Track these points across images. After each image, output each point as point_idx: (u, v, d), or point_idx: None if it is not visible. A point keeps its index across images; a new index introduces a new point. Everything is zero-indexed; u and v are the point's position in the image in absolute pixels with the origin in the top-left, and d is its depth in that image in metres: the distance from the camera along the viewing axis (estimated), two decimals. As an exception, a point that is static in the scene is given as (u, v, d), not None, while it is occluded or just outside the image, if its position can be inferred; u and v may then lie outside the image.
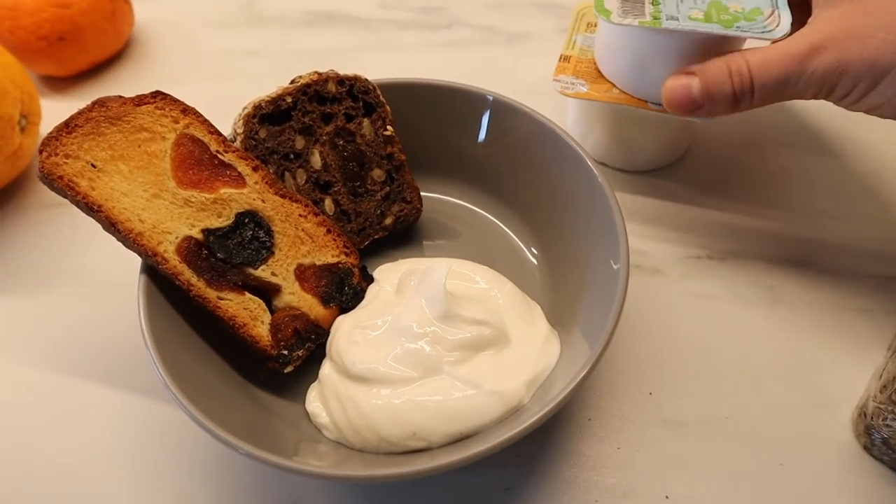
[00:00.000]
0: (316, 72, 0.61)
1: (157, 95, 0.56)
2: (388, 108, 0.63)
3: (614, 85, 0.64)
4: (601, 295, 0.53)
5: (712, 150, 0.75)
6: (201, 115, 0.57)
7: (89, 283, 0.68)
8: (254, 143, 0.59)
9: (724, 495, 0.53)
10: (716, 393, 0.58)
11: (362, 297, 0.59)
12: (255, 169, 0.57)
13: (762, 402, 0.57)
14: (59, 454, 0.57)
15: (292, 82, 0.61)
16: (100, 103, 0.54)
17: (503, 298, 0.57)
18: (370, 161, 0.63)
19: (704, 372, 0.59)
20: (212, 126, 0.57)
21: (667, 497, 0.53)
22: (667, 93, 0.57)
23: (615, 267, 0.53)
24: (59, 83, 0.86)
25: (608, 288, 0.52)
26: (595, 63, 0.67)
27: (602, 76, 0.66)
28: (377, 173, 0.63)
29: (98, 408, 0.60)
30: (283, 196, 0.58)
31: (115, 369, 0.62)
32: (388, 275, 0.59)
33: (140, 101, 0.55)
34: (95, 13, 0.82)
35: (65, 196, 0.53)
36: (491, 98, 0.63)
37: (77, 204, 0.53)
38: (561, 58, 0.68)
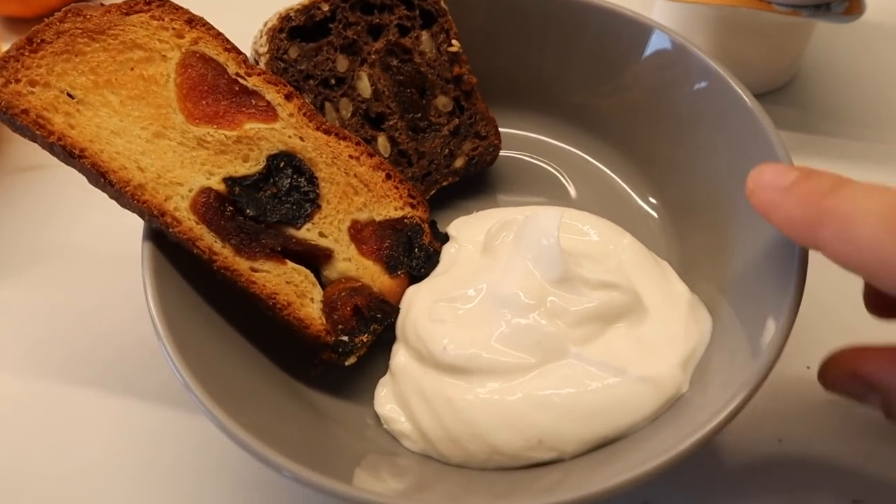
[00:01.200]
0: None
1: (153, 1, 0.42)
2: (450, 17, 0.48)
3: None
4: (759, 253, 0.40)
5: (827, 69, 0.63)
6: (213, 28, 0.43)
7: (75, 260, 0.54)
8: (282, 65, 0.45)
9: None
10: None
11: (437, 261, 0.45)
12: (287, 97, 0.43)
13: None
14: (43, 472, 0.45)
15: None
16: (74, 11, 0.40)
17: (626, 254, 0.43)
18: (433, 86, 0.49)
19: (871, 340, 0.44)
20: (228, 41, 0.43)
21: (854, 502, 0.42)
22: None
23: None
24: (26, 26, 0.69)
25: (771, 244, 0.39)
26: None
27: None
28: (442, 101, 0.49)
29: (94, 416, 0.47)
30: (327, 132, 0.44)
31: (115, 369, 0.48)
32: (468, 230, 0.46)
33: (130, 8, 0.41)
34: (63, -63, 0.68)
35: (32, 138, 0.38)
36: (605, 6, 0.49)
37: (51, 148, 0.38)
38: None
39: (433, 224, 0.48)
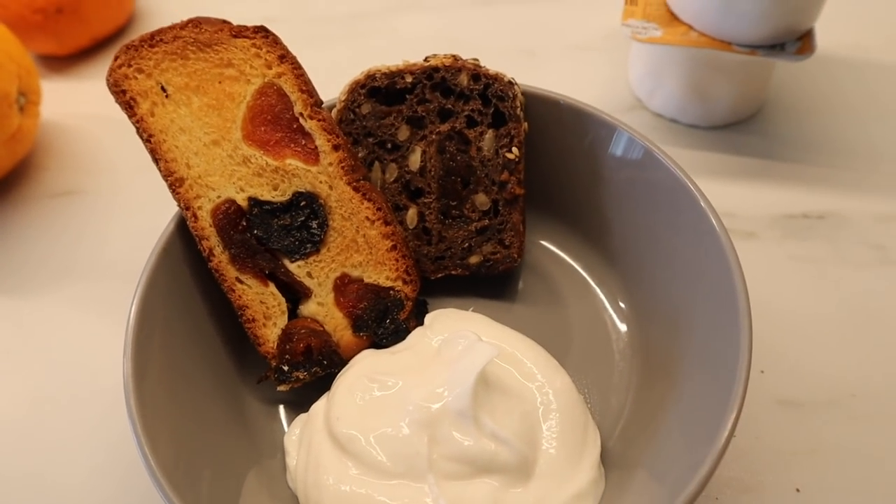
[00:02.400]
0: (453, 55, 0.49)
1: (260, 32, 0.48)
2: (524, 125, 0.50)
3: (691, 27, 0.59)
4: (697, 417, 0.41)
5: (790, 101, 0.68)
6: (300, 68, 0.48)
7: (107, 279, 0.60)
8: (352, 116, 0.50)
9: (864, 485, 0.47)
10: (835, 368, 0.52)
11: (403, 338, 0.48)
12: (335, 148, 0.48)
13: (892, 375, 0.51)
14: (72, 476, 0.51)
15: (425, 60, 0.50)
16: (195, 23, 0.47)
17: (553, 400, 0.43)
18: (478, 182, 0.51)
19: (818, 345, 0.53)
20: (307, 84, 0.48)
21: (798, 490, 0.47)
22: None
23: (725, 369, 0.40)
24: (60, 63, 0.77)
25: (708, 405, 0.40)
26: (666, 4, 0.61)
27: (676, 18, 0.60)
28: (481, 199, 0.51)
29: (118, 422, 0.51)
30: (356, 189, 0.48)
31: None
32: (444, 324, 0.48)
33: (238, 32, 0.48)
34: (97, -19, 0.72)
35: (125, 112, 0.47)
36: (626, 134, 0.49)
37: (134, 125, 0.47)
38: (627, 1, 0.62)
39: (422, 303, 0.51)
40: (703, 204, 0.45)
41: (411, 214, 0.51)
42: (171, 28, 0.47)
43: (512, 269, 0.52)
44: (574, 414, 0.43)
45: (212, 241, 0.46)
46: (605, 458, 0.44)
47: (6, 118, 0.61)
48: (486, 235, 0.51)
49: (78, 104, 0.72)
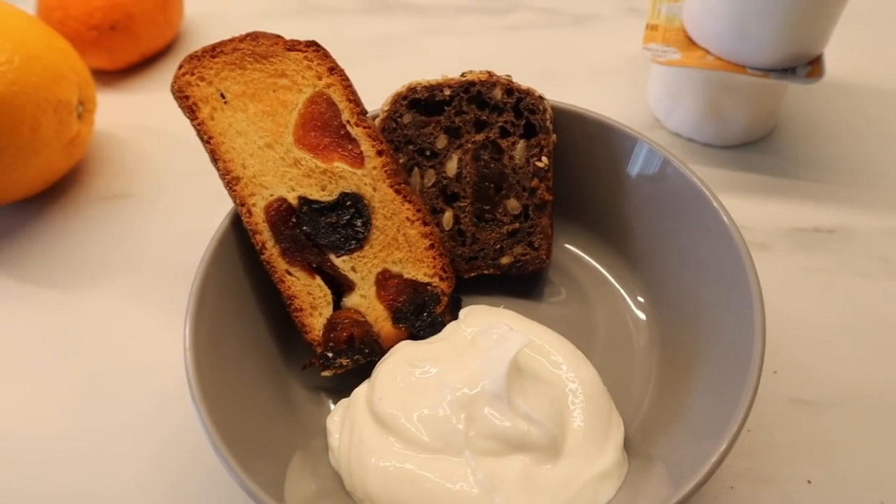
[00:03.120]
0: (488, 71, 0.54)
1: (311, 46, 0.52)
2: (553, 137, 0.54)
3: (708, 51, 0.63)
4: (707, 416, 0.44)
5: (801, 122, 0.72)
6: (347, 80, 0.52)
7: (153, 276, 0.63)
8: (394, 125, 0.53)
9: (871, 477, 0.50)
10: (844, 371, 0.55)
11: (439, 330, 0.51)
12: (379, 153, 0.52)
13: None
14: (126, 467, 0.53)
15: (462, 76, 0.54)
16: (252, 36, 0.52)
17: (579, 387, 0.46)
18: (510, 188, 0.54)
19: (828, 348, 0.57)
20: (354, 94, 0.52)
21: (809, 482, 0.50)
22: None
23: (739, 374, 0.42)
24: (110, 77, 0.81)
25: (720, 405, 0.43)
26: (685, 31, 0.65)
27: (693, 43, 0.64)
28: (512, 204, 0.55)
29: (157, 428, 0.54)
30: (397, 191, 0.52)
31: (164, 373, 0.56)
32: (477, 318, 0.51)
33: (292, 46, 0.52)
34: (147, 2, 0.77)
35: (186, 116, 0.51)
36: (645, 146, 0.53)
37: (195, 128, 0.51)
38: (648, 27, 0.66)
39: (456, 300, 0.54)
40: (717, 207, 0.48)
41: (447, 217, 0.55)
42: (231, 41, 0.51)
43: (541, 269, 0.55)
44: (599, 402, 0.47)
45: (264, 235, 0.50)
46: (627, 447, 0.47)
47: (67, 124, 0.65)
48: (517, 238, 0.55)
49: (127, 116, 0.76)
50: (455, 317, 0.52)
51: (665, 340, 0.52)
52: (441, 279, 0.52)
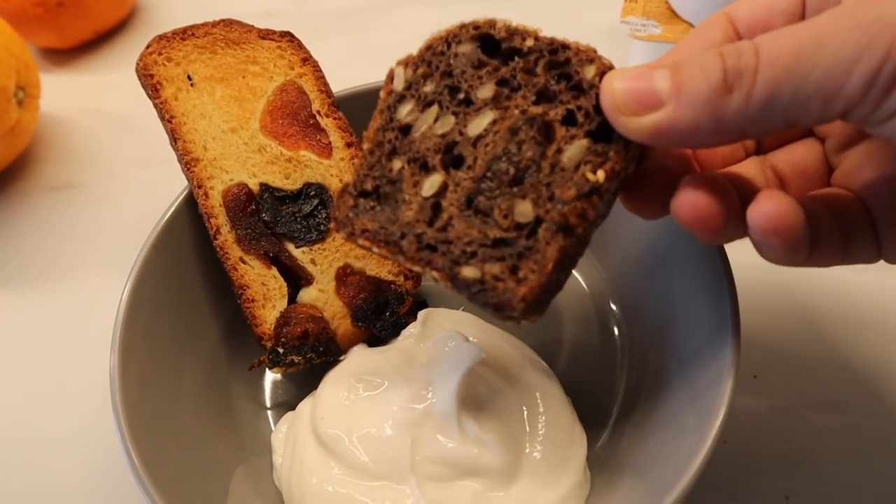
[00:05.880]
0: (592, 48, 0.39)
1: (286, 36, 0.51)
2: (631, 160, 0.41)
3: (692, 25, 0.58)
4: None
5: None
6: (320, 71, 0.51)
7: (101, 271, 0.60)
8: (445, 48, 0.40)
9: (853, 493, 0.47)
10: (828, 374, 0.52)
11: (400, 332, 0.48)
12: (348, 145, 0.50)
13: (889, 383, 0.51)
14: (64, 473, 0.50)
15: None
16: (226, 23, 0.51)
17: (539, 412, 0.43)
18: (531, 187, 0.37)
19: (811, 351, 0.53)
20: (326, 85, 0.51)
21: (787, 497, 0.47)
22: (613, 95, 0.34)
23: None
24: (61, 56, 0.77)
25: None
26: (667, 1, 0.60)
27: (676, 16, 0.59)
28: (524, 207, 0.36)
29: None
30: (364, 185, 0.49)
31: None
32: (435, 323, 0.48)
33: (266, 35, 0.51)
34: (97, -25, 0.72)
35: (149, 96, 0.49)
36: None
37: (156, 108, 0.49)
38: None
39: (422, 303, 0.51)
40: None
41: (433, 181, 0.38)
42: (204, 25, 0.50)
43: (505, 308, 0.35)
44: (560, 416, 0.43)
45: (220, 219, 0.47)
46: (593, 460, 0.44)
47: (4, 113, 0.61)
48: (501, 251, 0.36)
49: (79, 97, 0.72)
50: (415, 319, 0.49)
51: (635, 349, 0.49)
52: (406, 278, 0.49)
